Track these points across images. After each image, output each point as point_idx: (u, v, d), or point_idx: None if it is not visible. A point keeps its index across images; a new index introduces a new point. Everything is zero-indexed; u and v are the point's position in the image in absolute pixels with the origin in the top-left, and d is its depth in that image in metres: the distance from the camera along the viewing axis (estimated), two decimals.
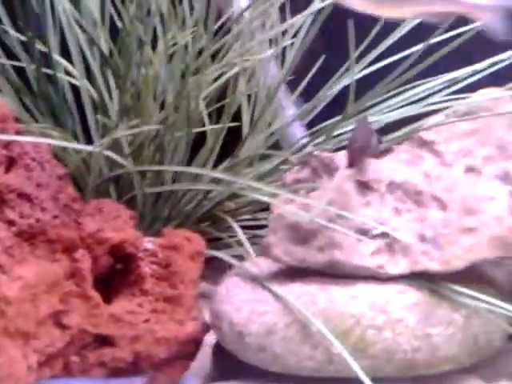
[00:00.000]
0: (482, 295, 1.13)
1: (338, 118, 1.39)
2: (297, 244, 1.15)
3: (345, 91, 1.40)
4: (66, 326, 1.09)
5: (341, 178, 1.18)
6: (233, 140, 1.42)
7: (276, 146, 1.45)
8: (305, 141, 1.43)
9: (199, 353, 1.21)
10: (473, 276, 1.17)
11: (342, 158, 1.21)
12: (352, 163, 1.16)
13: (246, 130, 1.42)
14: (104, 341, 1.14)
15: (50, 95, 1.37)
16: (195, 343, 1.21)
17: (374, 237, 1.15)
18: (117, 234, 1.15)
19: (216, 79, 1.37)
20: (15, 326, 1.03)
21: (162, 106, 1.36)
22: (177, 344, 1.18)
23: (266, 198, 1.17)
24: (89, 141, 1.36)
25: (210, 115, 1.40)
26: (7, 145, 1.09)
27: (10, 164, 1.10)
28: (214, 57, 1.37)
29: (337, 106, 1.43)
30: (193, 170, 1.25)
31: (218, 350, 1.24)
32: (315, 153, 1.22)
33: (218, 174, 1.23)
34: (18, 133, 1.11)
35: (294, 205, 1.15)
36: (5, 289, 1.02)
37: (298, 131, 1.48)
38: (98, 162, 1.24)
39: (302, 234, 1.14)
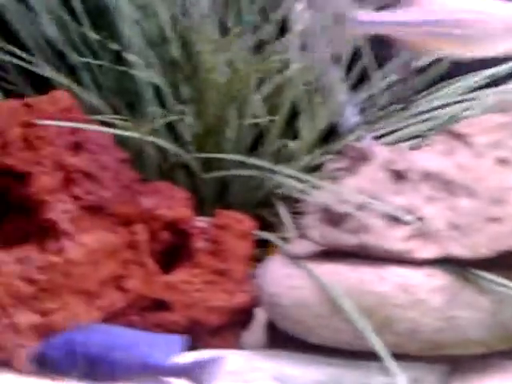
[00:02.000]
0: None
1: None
2: (330, 227, 1.25)
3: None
4: (125, 290, 1.25)
5: (375, 166, 1.28)
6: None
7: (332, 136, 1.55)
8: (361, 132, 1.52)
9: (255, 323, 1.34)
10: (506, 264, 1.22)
11: (379, 148, 1.31)
12: None
13: (302, 123, 1.53)
14: (160, 305, 1.29)
15: (125, 89, 1.53)
16: (245, 313, 1.34)
17: (405, 223, 1.24)
18: (170, 211, 1.30)
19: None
20: (79, 285, 1.20)
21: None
22: (227, 313, 1.32)
23: (300, 185, 1.29)
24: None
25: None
26: (74, 131, 1.27)
27: (77, 148, 1.27)
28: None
29: None
30: (237, 157, 1.37)
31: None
32: (353, 144, 1.32)
33: (259, 162, 1.35)
34: (84, 121, 1.27)
35: (328, 191, 1.26)
36: (71, 253, 1.20)
37: (354, 121, 1.57)
38: (151, 150, 1.39)
39: (334, 218, 1.25)
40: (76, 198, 1.24)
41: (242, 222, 1.36)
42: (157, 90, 1.54)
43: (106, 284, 1.24)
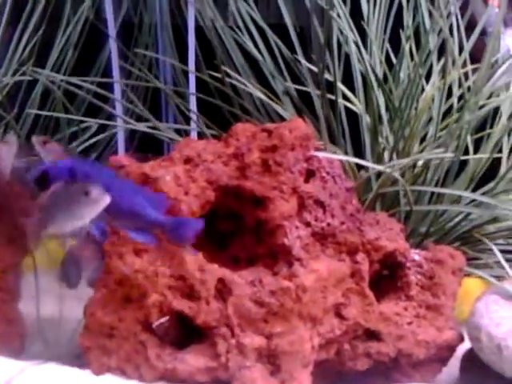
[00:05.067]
0: None
1: None
2: None
3: None
4: (344, 318, 1.26)
5: None
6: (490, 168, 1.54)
7: None
8: None
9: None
10: None
11: None
12: None
13: (505, 160, 1.53)
14: (372, 335, 1.30)
15: (328, 117, 1.56)
16: (449, 350, 1.35)
17: None
18: (391, 243, 1.31)
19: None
20: (307, 310, 1.21)
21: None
22: (434, 348, 1.33)
23: None
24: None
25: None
26: (308, 159, 1.29)
27: (309, 175, 1.30)
28: None
29: None
30: (463, 193, 1.37)
31: (468, 358, 1.36)
32: None
33: (483, 198, 1.35)
34: (316, 150, 1.30)
35: None
36: (303, 279, 1.21)
37: None
38: (386, 180, 1.41)
39: None
40: (307, 224, 1.26)
41: (455, 257, 1.36)
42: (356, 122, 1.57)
43: (329, 311, 1.25)
